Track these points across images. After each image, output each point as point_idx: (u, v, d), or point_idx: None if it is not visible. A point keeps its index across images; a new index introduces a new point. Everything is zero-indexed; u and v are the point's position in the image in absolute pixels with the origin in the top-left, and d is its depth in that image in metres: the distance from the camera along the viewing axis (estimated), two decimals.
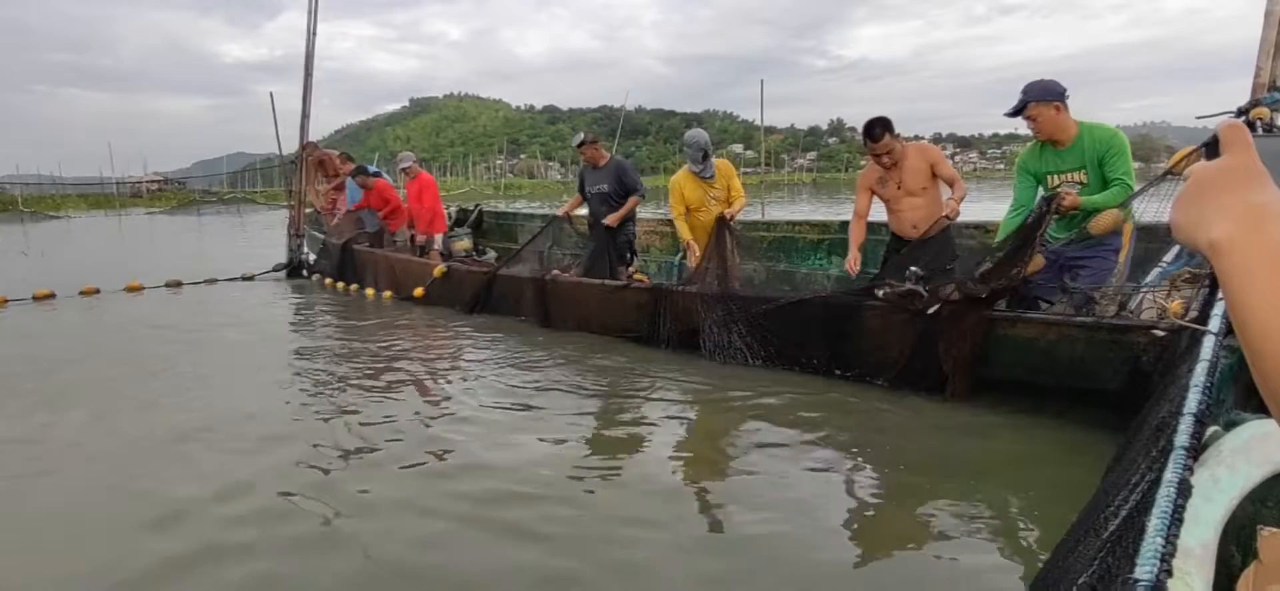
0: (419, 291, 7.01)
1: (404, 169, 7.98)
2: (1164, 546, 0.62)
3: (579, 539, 2.44)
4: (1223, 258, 0.45)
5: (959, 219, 4.38)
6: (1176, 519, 0.68)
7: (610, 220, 5.84)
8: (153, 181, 54.87)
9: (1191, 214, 0.49)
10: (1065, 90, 3.57)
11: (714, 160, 5.28)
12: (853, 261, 4.36)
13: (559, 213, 6.56)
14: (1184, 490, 0.73)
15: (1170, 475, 0.77)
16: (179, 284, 8.77)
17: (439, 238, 7.73)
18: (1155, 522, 0.67)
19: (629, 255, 6.12)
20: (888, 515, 2.59)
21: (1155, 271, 3.63)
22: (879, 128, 4.22)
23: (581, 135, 6.12)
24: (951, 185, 4.33)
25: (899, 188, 4.32)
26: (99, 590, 2.22)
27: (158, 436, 3.51)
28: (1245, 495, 1.17)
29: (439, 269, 6.86)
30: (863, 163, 4.63)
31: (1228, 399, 1.76)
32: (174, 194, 48.38)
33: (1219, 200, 0.47)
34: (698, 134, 5.27)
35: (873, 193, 4.43)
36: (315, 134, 9.75)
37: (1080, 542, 1.47)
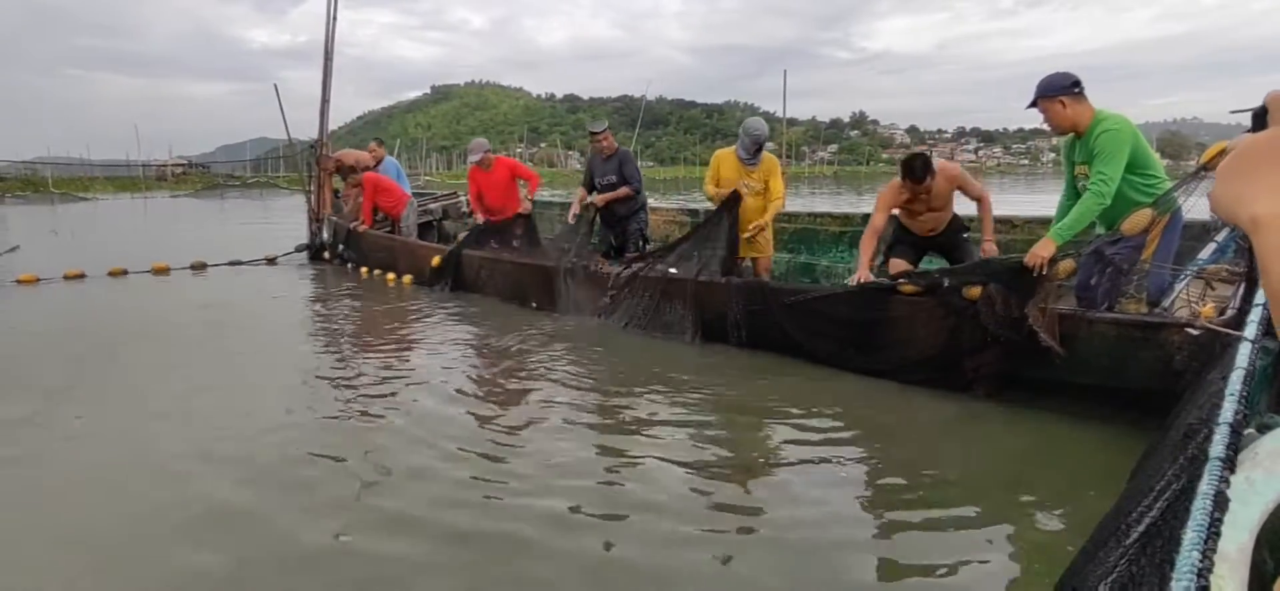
0: (437, 261, 7.20)
1: (477, 159, 6.93)
2: (1201, 561, 0.60)
3: (587, 537, 2.45)
4: (1265, 234, 0.42)
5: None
6: (1214, 532, 0.66)
7: (597, 199, 6.12)
8: (177, 165, 55.59)
9: (1234, 187, 0.46)
10: (1074, 82, 3.51)
11: (764, 151, 5.22)
12: (862, 277, 4.19)
13: (571, 214, 6.50)
14: (1221, 503, 0.71)
15: (1206, 486, 0.74)
16: (204, 266, 8.89)
17: None
18: (1191, 536, 0.65)
19: (641, 243, 6.19)
20: (908, 514, 2.56)
21: (1190, 267, 3.56)
22: (922, 168, 4.07)
23: (604, 123, 6.24)
24: (980, 202, 4.35)
25: (926, 210, 4.28)
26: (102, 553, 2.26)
27: (173, 417, 3.57)
28: None
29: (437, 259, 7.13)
30: (885, 157, 4.60)
31: (1261, 402, 1.72)
32: (198, 177, 49.01)
33: (1263, 175, 0.44)
34: (757, 125, 5.19)
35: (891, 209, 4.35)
36: (337, 120, 9.82)
37: (1103, 547, 1.44)
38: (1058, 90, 3.53)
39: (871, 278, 4.20)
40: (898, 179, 4.30)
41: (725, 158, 5.27)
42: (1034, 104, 3.64)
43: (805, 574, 2.18)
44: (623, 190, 6.10)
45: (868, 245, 4.34)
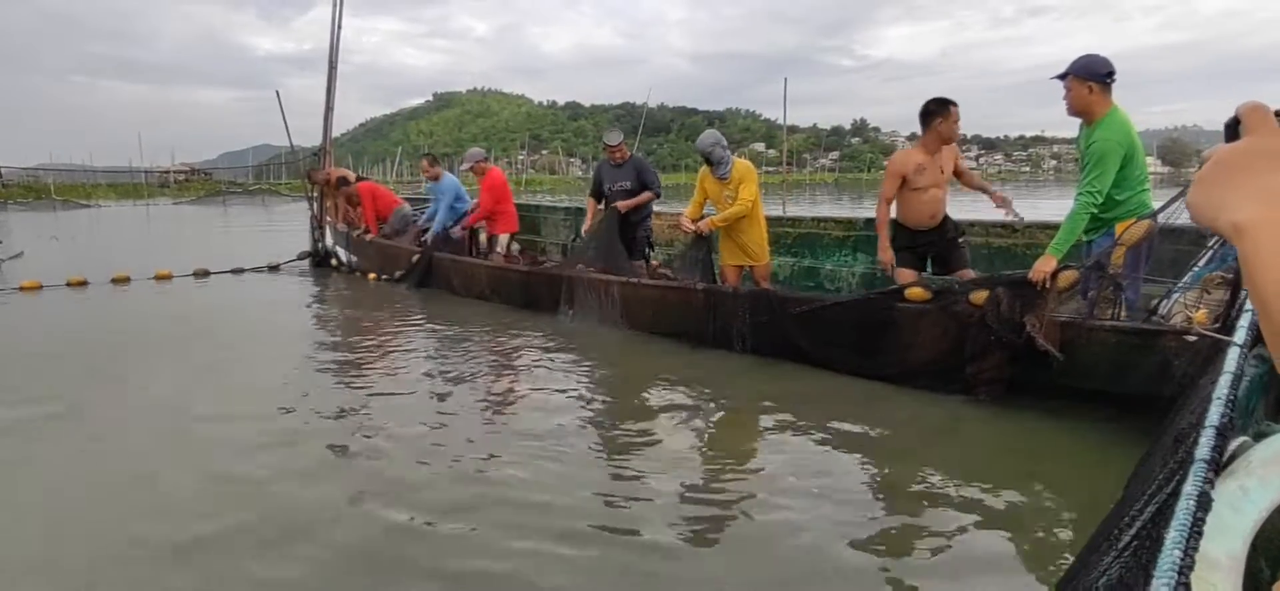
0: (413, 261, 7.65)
1: (468, 168, 7.64)
2: (1182, 559, 0.61)
3: (598, 539, 2.46)
4: (1247, 241, 0.43)
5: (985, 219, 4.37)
6: (1196, 532, 0.68)
7: (622, 205, 6.04)
8: (180, 171, 55.73)
9: (1212, 195, 0.47)
10: (1109, 73, 3.50)
11: (734, 160, 5.24)
12: (890, 257, 4.37)
13: (585, 226, 6.53)
14: (1204, 504, 0.73)
15: (1190, 488, 0.76)
16: (206, 273, 8.92)
17: (504, 238, 7.60)
18: (1173, 535, 0.66)
19: (646, 248, 6.22)
20: (908, 515, 2.57)
21: (1187, 275, 3.58)
22: (946, 103, 4.20)
23: (619, 135, 6.27)
24: (960, 176, 4.52)
25: (932, 185, 4.29)
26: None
27: (175, 418, 3.59)
28: (1276, 507, 1.15)
29: None
30: (885, 163, 4.62)
31: (1257, 409, 1.73)
32: (200, 184, 49.17)
33: (1242, 182, 0.45)
34: (703, 137, 5.26)
35: (904, 180, 4.34)
36: (340, 127, 9.92)
37: (1096, 551, 1.46)
38: (1091, 74, 3.51)
39: (892, 257, 4.37)
40: (907, 149, 4.38)
41: (706, 175, 5.32)
42: (1063, 76, 3.60)
43: (805, 575, 2.19)
44: (645, 195, 6.15)
45: (883, 215, 4.41)
